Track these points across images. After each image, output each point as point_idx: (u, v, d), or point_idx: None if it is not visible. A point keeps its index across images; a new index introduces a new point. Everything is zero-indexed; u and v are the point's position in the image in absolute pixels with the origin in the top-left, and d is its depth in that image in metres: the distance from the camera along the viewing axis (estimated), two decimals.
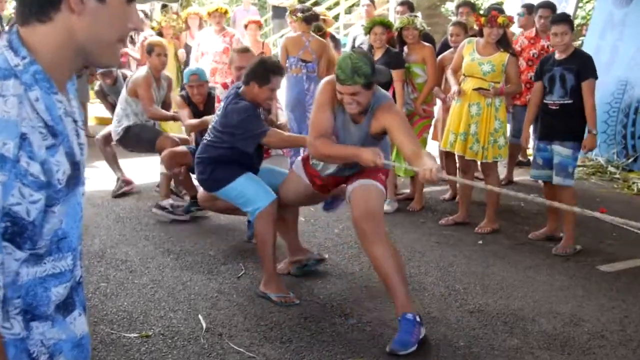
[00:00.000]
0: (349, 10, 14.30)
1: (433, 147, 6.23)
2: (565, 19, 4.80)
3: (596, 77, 4.65)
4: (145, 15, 9.42)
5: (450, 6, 12.76)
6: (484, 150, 5.10)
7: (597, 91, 4.78)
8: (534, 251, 4.77)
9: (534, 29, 6.58)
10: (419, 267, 4.38)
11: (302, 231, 4.59)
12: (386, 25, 5.72)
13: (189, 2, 11.26)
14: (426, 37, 6.01)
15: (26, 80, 1.14)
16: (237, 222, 5.10)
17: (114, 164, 6.17)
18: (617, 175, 7.21)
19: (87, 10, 1.18)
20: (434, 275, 4.24)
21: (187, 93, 5.39)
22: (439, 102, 6.26)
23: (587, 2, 11.36)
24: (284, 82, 5.21)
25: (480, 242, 4.97)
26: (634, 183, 6.84)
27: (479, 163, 5.34)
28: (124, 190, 6.07)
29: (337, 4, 13.70)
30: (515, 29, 7.06)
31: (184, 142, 5.57)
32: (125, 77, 6.23)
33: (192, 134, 5.53)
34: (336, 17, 12.48)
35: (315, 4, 13.63)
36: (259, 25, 7.64)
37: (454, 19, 6.65)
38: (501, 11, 5.07)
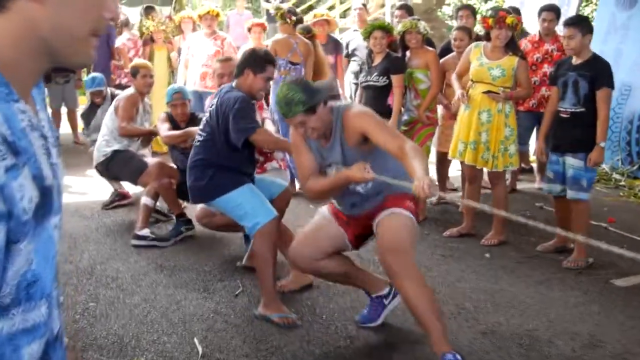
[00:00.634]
0: (343, 15, 14.10)
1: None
2: (573, 22, 4.57)
3: (612, 87, 4.40)
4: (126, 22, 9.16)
5: (447, 10, 12.58)
6: (494, 158, 4.88)
7: None
8: (544, 264, 4.57)
9: (537, 33, 6.41)
10: None
11: None
12: (386, 29, 5.53)
13: (182, 5, 11.02)
14: (427, 41, 5.83)
15: None
16: (233, 235, 4.87)
17: None
18: (622, 183, 7.04)
19: None
20: (442, 293, 4.02)
21: (170, 113, 5.17)
22: (439, 108, 6.05)
23: (585, 5, 11.20)
24: (272, 85, 5.04)
25: (488, 255, 4.76)
26: None
27: (485, 172, 5.14)
28: (117, 203, 5.81)
29: (332, 7, 13.50)
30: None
31: (172, 175, 5.13)
32: (113, 97, 5.98)
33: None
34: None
35: (310, 7, 13.43)
36: (264, 29, 7.40)
37: (451, 23, 6.47)
38: (509, 12, 4.85)
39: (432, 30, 7.52)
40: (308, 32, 6.59)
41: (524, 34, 6.58)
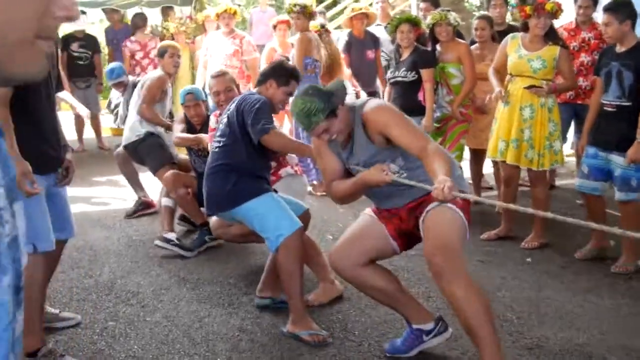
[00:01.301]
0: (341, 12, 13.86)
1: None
2: (609, 8, 4.22)
3: None
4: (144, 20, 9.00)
5: (474, 1, 12.21)
6: (540, 156, 4.57)
7: None
8: (591, 269, 4.27)
9: (573, 20, 6.07)
10: None
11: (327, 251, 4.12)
12: (413, 22, 5.28)
13: (202, 5, 10.85)
14: (457, 34, 5.54)
15: None
16: (257, 244, 4.65)
17: (134, 182, 5.74)
18: None
19: None
20: None
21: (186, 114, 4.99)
22: None
23: None
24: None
25: (529, 259, 4.47)
26: None
27: (524, 171, 4.84)
28: (141, 213, 5.63)
29: (334, 3, 13.23)
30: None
31: (188, 183, 4.86)
32: (135, 85, 5.79)
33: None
34: (333, 17, 11.98)
35: (335, 3, 13.15)
36: (289, 26, 7.17)
37: (477, 13, 6.19)
38: None
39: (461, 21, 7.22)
40: (322, 27, 6.54)
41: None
